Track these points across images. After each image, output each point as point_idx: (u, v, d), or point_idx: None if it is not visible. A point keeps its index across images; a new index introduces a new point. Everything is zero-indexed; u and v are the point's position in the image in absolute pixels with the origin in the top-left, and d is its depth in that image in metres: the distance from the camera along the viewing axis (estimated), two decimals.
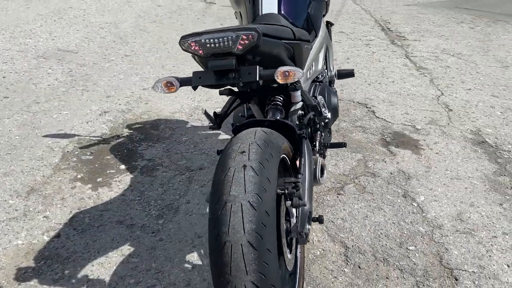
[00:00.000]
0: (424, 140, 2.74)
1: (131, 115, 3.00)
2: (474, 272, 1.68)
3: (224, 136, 2.76)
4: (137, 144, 2.61)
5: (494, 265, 1.71)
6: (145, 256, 1.73)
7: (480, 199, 2.15)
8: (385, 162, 2.46)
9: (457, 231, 1.91)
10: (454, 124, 2.97)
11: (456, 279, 1.64)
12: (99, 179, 2.24)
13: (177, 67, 4.05)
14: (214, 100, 3.33)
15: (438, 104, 3.31)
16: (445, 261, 1.73)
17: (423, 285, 1.62)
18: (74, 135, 2.63)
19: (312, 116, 1.68)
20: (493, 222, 1.97)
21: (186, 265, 1.69)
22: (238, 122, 1.96)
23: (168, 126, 2.87)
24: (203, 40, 1.12)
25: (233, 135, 1.30)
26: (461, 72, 4.05)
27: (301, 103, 1.61)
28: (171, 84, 1.22)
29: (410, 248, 1.80)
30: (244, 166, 1.11)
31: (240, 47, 1.12)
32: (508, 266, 1.71)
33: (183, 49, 1.17)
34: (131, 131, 2.78)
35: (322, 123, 1.77)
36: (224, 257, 1.04)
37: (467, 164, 2.48)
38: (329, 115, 1.80)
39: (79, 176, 2.24)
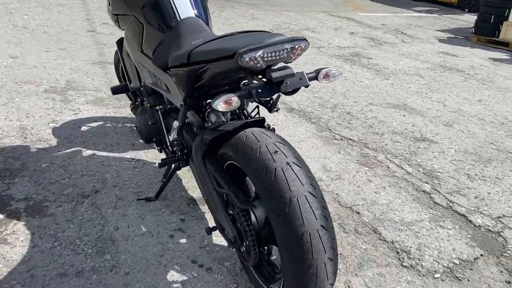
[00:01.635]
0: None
1: None
2: (363, 204, 2.31)
3: (89, 151, 2.50)
4: None
5: (369, 194, 2.40)
6: None
7: (326, 152, 2.83)
8: None
9: (332, 179, 2.52)
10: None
11: (358, 213, 2.24)
12: None
13: None
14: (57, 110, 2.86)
15: None
16: (343, 203, 2.31)
17: (345, 225, 2.14)
18: None
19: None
20: (346, 165, 2.68)
21: (174, 285, 1.65)
22: (147, 130, 1.94)
23: (9, 156, 2.36)
24: (262, 55, 1.18)
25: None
26: None
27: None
28: (231, 101, 1.22)
29: None
30: (288, 163, 1.28)
31: (293, 56, 1.24)
32: (376, 192, 2.43)
33: (240, 65, 1.19)
34: None
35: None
36: (305, 245, 1.22)
37: (299, 128, 3.14)
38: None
39: None
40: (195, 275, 1.70)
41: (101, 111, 3.07)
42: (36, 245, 1.77)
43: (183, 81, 1.50)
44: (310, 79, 1.31)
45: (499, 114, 3.87)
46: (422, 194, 2.45)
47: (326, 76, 1.33)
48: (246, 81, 1.38)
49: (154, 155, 2.54)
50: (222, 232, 1.53)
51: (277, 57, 1.21)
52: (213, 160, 1.54)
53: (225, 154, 1.46)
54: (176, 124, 1.55)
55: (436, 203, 2.38)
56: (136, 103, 2.29)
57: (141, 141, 2.69)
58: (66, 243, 1.79)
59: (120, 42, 2.31)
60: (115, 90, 2.29)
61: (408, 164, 2.77)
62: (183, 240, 1.88)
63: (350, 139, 3.06)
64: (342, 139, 3.05)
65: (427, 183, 2.56)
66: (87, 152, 2.50)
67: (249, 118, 1.80)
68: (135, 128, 2.21)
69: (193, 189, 2.25)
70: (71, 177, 2.24)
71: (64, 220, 1.93)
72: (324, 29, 6.76)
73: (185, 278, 1.68)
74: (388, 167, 2.70)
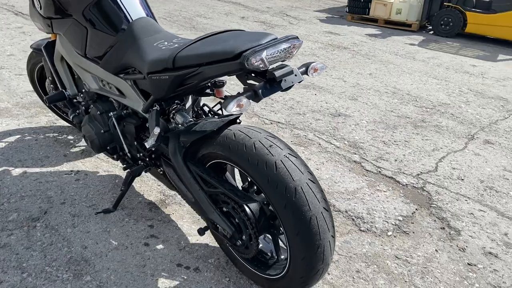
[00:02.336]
0: None
1: None
2: None
3: (18, 169, 2.24)
4: None
5: (313, 171, 2.60)
6: None
7: None
8: None
9: None
10: None
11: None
12: None
13: None
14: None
15: None
16: None
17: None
18: None
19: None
20: None
21: None
22: (101, 138, 1.87)
23: None
24: (266, 56, 1.22)
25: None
26: None
27: None
28: (243, 103, 1.24)
29: None
30: (285, 156, 1.38)
31: (290, 55, 1.29)
32: (318, 169, 2.64)
33: (247, 67, 1.21)
34: None
35: None
36: (313, 228, 1.35)
37: None
38: None
39: None
40: (185, 277, 1.71)
41: (13, 123, 2.75)
42: (4, 280, 1.59)
43: (164, 85, 1.47)
44: (302, 73, 1.40)
45: (388, 84, 4.40)
46: (354, 164, 2.73)
47: (315, 70, 1.43)
48: (251, 81, 1.40)
49: (93, 164, 2.40)
50: (216, 230, 1.56)
51: (278, 57, 1.27)
52: (195, 161, 1.55)
53: (211, 154, 1.49)
54: (156, 130, 1.51)
55: (368, 170, 2.68)
56: (78, 111, 2.13)
57: (72, 150, 2.50)
58: (36, 273, 1.65)
59: (48, 47, 2.10)
60: (51, 100, 2.09)
61: (335, 139, 3.04)
62: (160, 246, 1.85)
63: (279, 122, 3.23)
64: (271, 123, 3.21)
65: (355, 153, 2.86)
66: (16, 171, 2.25)
67: (218, 115, 1.83)
68: (83, 138, 2.05)
69: (148, 193, 2.20)
70: (10, 201, 2.02)
71: (23, 249, 1.75)
72: (215, 14, 6.81)
73: (177, 282, 1.68)
74: (320, 144, 2.94)
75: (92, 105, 1.97)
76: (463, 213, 2.30)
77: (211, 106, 1.93)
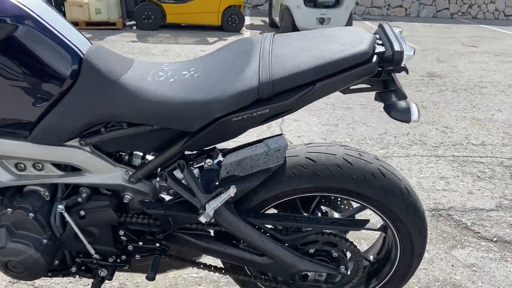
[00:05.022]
0: None
1: None
2: None
3: None
4: None
5: None
6: None
7: None
8: None
9: None
10: None
11: None
12: None
13: None
14: None
15: None
16: None
17: None
18: None
19: None
20: None
21: None
22: (44, 255, 1.27)
23: None
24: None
25: None
26: None
27: None
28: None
29: None
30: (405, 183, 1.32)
31: None
32: None
33: (378, 69, 0.99)
34: None
35: None
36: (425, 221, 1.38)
37: None
38: None
39: None
40: None
41: None
42: None
43: (240, 126, 1.06)
44: None
45: None
46: None
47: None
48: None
49: None
50: (304, 279, 1.30)
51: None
52: (253, 213, 1.23)
53: (276, 196, 1.21)
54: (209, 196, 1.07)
55: None
56: None
57: None
58: None
59: None
60: None
61: None
62: None
63: None
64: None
65: None
66: None
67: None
68: (5, 270, 1.19)
69: None
70: None
71: None
72: None
73: None
74: None
75: (9, 208, 1.17)
76: None
77: None
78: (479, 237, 1.87)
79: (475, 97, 4.02)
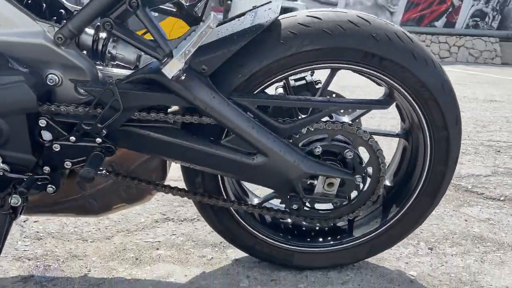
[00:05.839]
0: None
1: None
2: None
3: None
4: None
5: None
6: None
7: None
8: None
9: None
10: None
11: None
12: None
13: None
14: None
15: None
16: None
17: None
18: None
19: None
20: None
21: None
22: None
23: None
24: None
25: None
26: None
27: None
28: None
29: None
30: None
31: None
32: None
33: None
34: None
35: None
36: None
37: None
38: None
39: None
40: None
41: None
42: None
43: None
44: None
45: None
46: None
47: None
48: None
49: None
50: (311, 192, 0.95)
51: None
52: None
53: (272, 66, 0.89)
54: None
55: None
56: None
57: None
58: None
59: None
60: None
61: None
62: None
63: None
64: None
65: None
66: None
67: None
68: None
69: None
70: None
71: None
72: None
73: None
74: None
75: None
76: None
77: None
78: (484, 197, 1.63)
79: None
